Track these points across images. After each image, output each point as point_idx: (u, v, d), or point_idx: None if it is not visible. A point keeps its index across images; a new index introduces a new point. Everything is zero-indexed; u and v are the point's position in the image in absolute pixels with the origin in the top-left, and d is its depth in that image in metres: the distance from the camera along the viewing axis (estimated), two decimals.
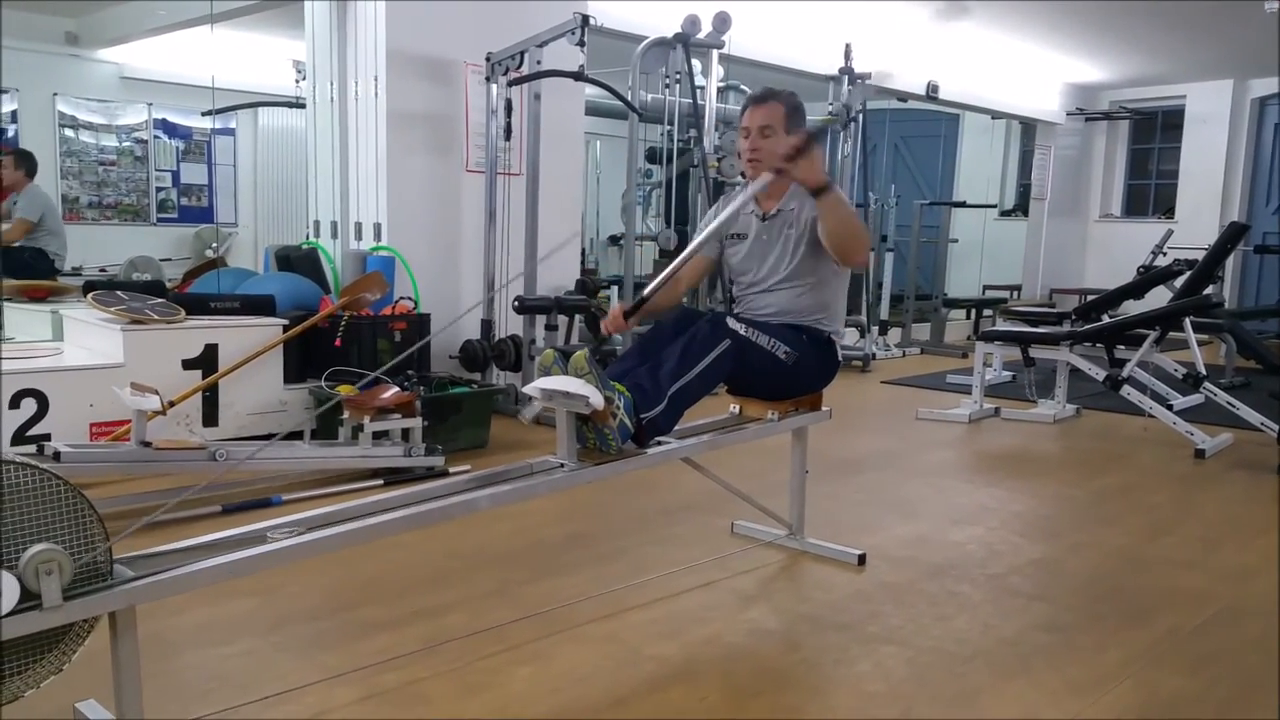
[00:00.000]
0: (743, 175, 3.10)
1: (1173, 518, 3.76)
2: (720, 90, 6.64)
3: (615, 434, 2.42)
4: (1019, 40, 8.76)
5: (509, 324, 5.39)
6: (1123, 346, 5.30)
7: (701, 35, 6.02)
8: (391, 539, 2.76)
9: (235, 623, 2.48)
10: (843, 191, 2.83)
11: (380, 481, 3.79)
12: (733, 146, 6.26)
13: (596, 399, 2.31)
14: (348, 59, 5.21)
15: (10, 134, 7.51)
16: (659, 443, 2.63)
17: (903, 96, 9.04)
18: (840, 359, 3.05)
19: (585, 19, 4.76)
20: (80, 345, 4.39)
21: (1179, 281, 6.51)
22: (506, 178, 5.38)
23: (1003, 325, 6.72)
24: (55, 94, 7.74)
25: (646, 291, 2.85)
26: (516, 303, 5.17)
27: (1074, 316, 6.12)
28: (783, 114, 2.88)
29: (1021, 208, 11.73)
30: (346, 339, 4.48)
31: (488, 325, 5.34)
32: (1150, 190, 11.66)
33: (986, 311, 10.02)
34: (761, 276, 2.99)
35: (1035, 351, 5.54)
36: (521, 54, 5.05)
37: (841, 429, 4.87)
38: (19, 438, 3.75)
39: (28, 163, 6.46)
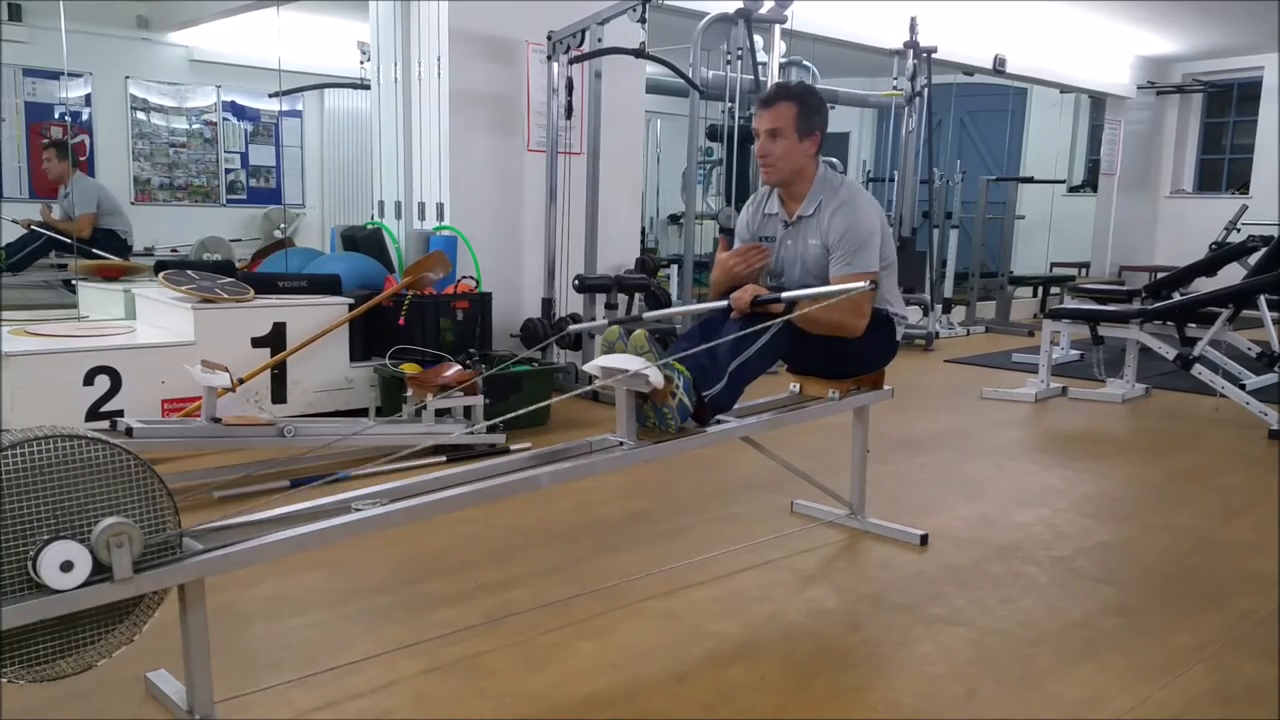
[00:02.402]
0: (766, 183, 3.01)
1: (1246, 500, 3.66)
2: (782, 66, 6.57)
3: (674, 413, 2.42)
4: (1088, 13, 8.54)
5: (569, 303, 5.41)
6: (1194, 325, 5.17)
7: (763, 10, 5.96)
8: (454, 514, 2.80)
9: (304, 595, 2.54)
10: (809, 296, 2.69)
11: (443, 458, 3.84)
12: None
13: (656, 377, 2.31)
14: (411, 40, 5.25)
15: (85, 117, 7.69)
16: (719, 421, 2.63)
17: (969, 70, 8.87)
18: (900, 338, 3.01)
19: None
20: (152, 324, 4.49)
21: (1253, 258, 6.31)
22: (567, 157, 5.39)
23: (1071, 303, 6.59)
24: (127, 77, 7.90)
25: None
26: (577, 281, 5.18)
27: (1144, 294, 5.97)
28: (793, 115, 2.78)
29: (1090, 184, 11.47)
30: (410, 318, 4.53)
31: (548, 304, 5.36)
32: (1224, 165, 11.32)
33: (1054, 289, 9.82)
34: (795, 284, 2.91)
35: (1104, 330, 5.42)
36: (583, 32, 5.04)
37: (904, 408, 4.82)
38: (93, 414, 3.85)
39: (68, 154, 6.61)
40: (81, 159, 6.91)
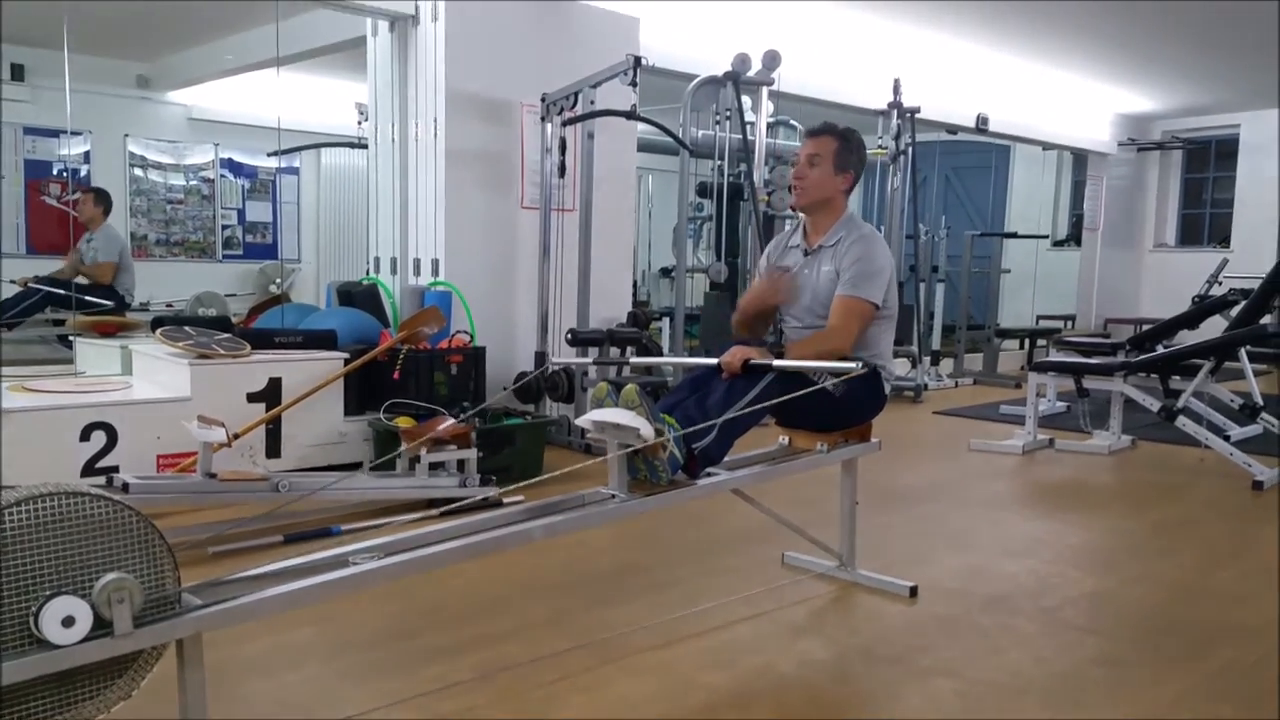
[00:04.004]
0: (791, 208, 3.17)
1: (1230, 550, 3.70)
2: (770, 125, 6.70)
3: (666, 466, 2.46)
4: (1068, 73, 8.74)
5: (562, 356, 5.46)
6: (1178, 377, 5.24)
7: (751, 73, 6.09)
8: (446, 568, 2.82)
9: (298, 650, 2.55)
10: (804, 346, 2.92)
11: (436, 512, 3.85)
12: (783, 181, 6.31)
13: (647, 431, 2.36)
14: (408, 101, 5.36)
15: (83, 174, 7.77)
16: (710, 474, 2.67)
17: (952, 129, 9.04)
18: (888, 390, 3.07)
19: (637, 60, 4.85)
20: (148, 379, 4.53)
21: (1235, 311, 6.41)
22: (560, 214, 5.48)
23: (1056, 355, 6.66)
24: (126, 135, 8.00)
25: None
26: (569, 335, 5.24)
27: (1128, 347, 6.06)
28: (834, 148, 2.99)
29: (1074, 238, 11.63)
30: (404, 372, 4.58)
31: (541, 357, 5.42)
32: (1205, 220, 11.51)
33: (1040, 341, 9.92)
34: (801, 314, 3.04)
35: (1089, 382, 5.49)
36: (575, 94, 5.15)
37: (893, 460, 4.86)
38: (88, 469, 3.87)
39: (105, 202, 6.73)
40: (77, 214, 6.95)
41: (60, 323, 6.19)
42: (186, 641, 1.75)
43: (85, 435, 3.89)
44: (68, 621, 1.58)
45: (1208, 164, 11.37)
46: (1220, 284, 8.57)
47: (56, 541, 1.62)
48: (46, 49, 6.54)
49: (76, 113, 5.89)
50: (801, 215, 3.16)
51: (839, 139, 3.00)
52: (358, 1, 5.14)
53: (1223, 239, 10.94)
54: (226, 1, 6.30)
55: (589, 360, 3.92)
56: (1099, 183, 10.88)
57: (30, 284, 6.51)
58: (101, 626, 1.62)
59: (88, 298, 6.16)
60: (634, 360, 4.20)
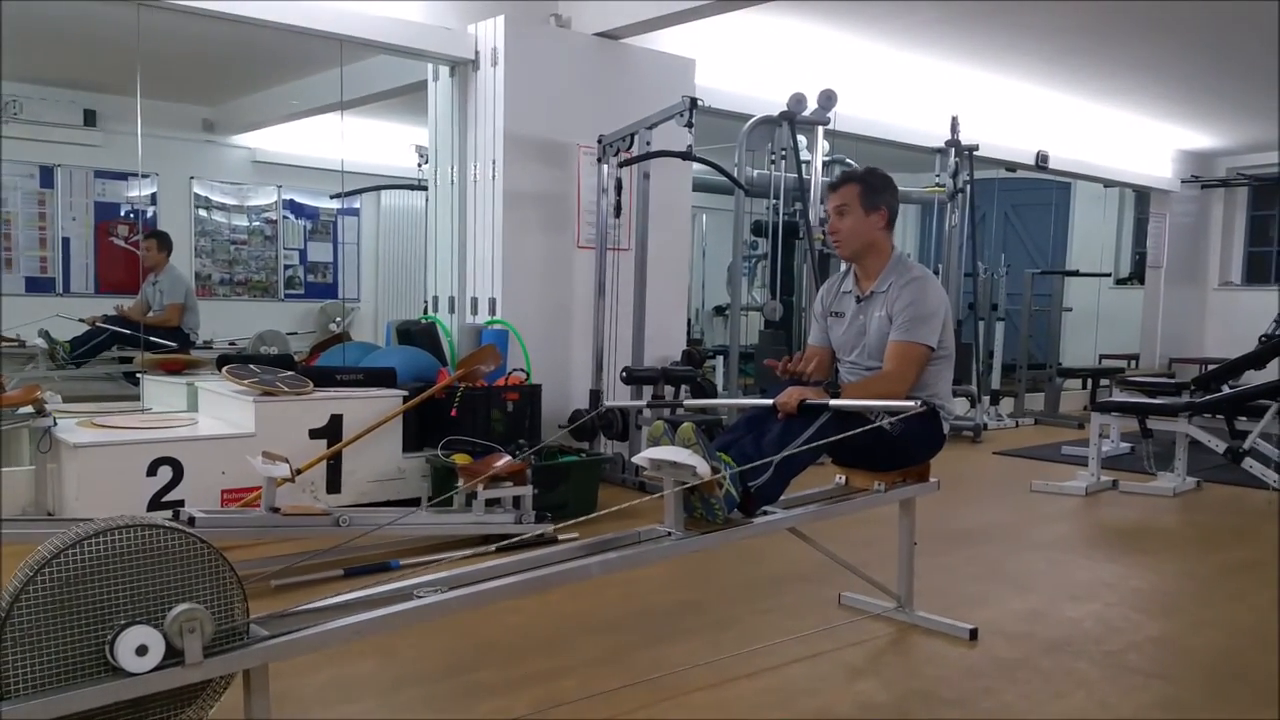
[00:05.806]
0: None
1: None
2: (825, 164, 6.71)
3: (721, 504, 2.47)
4: (1128, 112, 8.66)
5: (616, 394, 5.49)
6: (1244, 418, 5.13)
7: (807, 112, 6.11)
8: (502, 603, 2.84)
9: (358, 683, 2.58)
10: (857, 387, 2.91)
11: (492, 548, 3.87)
12: None
13: (703, 469, 2.37)
14: (468, 143, 5.47)
15: (150, 215, 8.00)
16: (765, 512, 2.67)
17: (1011, 166, 8.98)
18: (946, 430, 3.05)
19: (693, 101, 4.91)
20: (214, 415, 4.63)
21: None
22: (616, 253, 5.53)
23: (1119, 395, 6.55)
24: (192, 178, 8.23)
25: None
26: (624, 373, 5.26)
27: (1193, 387, 5.94)
28: (857, 193, 3.00)
29: (1138, 276, 11.46)
30: (462, 409, 4.63)
31: (596, 395, 5.45)
32: (1272, 258, 11.27)
33: (1103, 381, 9.76)
34: (856, 357, 3.04)
35: (1153, 423, 5.39)
36: (631, 136, 5.21)
37: (952, 500, 4.80)
38: (155, 503, 3.96)
39: (167, 245, 6.93)
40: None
41: (127, 360, 6.35)
42: (254, 672, 1.78)
43: (152, 470, 3.98)
44: (141, 650, 1.63)
45: (1274, 201, 11.15)
46: None
47: (132, 572, 1.67)
48: (117, 95, 6.78)
49: (145, 156, 6.09)
50: None
51: (859, 182, 3.01)
52: (419, 48, 5.27)
53: None
54: (291, 49, 6.48)
55: (642, 403, 3.95)
56: (1162, 220, 10.72)
57: (98, 323, 6.71)
58: (173, 655, 1.66)
59: (153, 337, 6.32)
60: (687, 403, 4.20)
